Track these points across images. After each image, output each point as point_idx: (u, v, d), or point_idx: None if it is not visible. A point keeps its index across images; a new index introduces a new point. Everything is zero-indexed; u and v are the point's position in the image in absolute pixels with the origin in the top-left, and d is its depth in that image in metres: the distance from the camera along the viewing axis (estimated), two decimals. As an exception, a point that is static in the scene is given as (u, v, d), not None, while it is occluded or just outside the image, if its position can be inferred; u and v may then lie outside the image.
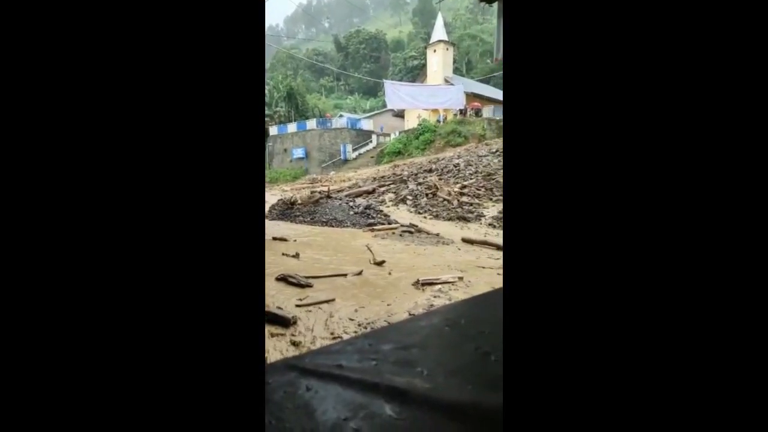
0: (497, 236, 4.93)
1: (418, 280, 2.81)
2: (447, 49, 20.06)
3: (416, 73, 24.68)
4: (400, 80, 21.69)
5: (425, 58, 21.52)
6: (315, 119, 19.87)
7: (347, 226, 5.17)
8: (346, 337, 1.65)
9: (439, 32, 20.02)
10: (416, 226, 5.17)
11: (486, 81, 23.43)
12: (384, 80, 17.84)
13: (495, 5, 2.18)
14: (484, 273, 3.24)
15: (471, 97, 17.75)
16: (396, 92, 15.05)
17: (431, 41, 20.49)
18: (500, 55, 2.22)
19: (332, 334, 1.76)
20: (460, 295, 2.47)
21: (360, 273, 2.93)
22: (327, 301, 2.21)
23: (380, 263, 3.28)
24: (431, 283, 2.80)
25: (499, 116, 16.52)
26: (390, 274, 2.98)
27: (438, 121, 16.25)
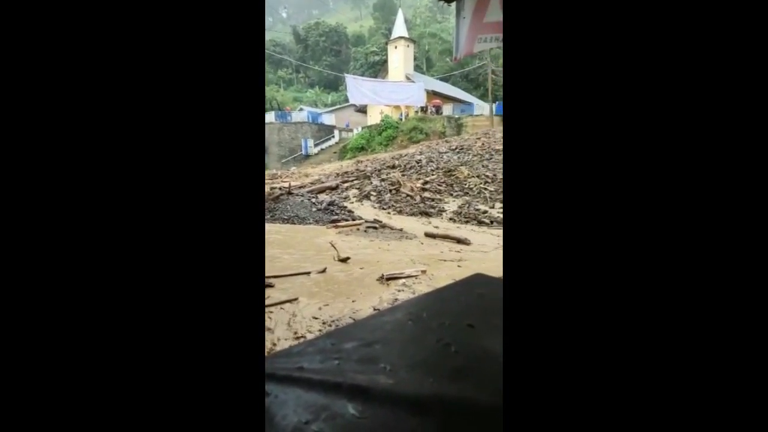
0: (458, 230, 5.11)
1: (383, 276, 2.83)
2: (408, 46, 20.23)
3: (378, 68, 24.62)
4: (362, 75, 21.51)
5: (386, 54, 21.54)
6: (273, 112, 19.07)
7: (310, 223, 5.05)
8: (310, 336, 1.61)
9: (400, 28, 20.11)
10: (381, 221, 5.19)
11: (445, 79, 24.03)
12: (345, 74, 17.56)
13: (453, 5, 2.22)
14: (446, 266, 3.34)
15: (431, 94, 18.12)
16: (358, 87, 14.91)
17: (392, 37, 20.54)
18: (459, 55, 2.27)
19: (295, 334, 1.71)
20: (423, 288, 2.53)
21: (324, 270, 2.89)
22: (290, 301, 2.15)
23: (345, 260, 3.26)
24: (395, 278, 2.84)
25: (458, 114, 17.07)
26: (363, 269, 2.97)
27: (400, 117, 16.39)
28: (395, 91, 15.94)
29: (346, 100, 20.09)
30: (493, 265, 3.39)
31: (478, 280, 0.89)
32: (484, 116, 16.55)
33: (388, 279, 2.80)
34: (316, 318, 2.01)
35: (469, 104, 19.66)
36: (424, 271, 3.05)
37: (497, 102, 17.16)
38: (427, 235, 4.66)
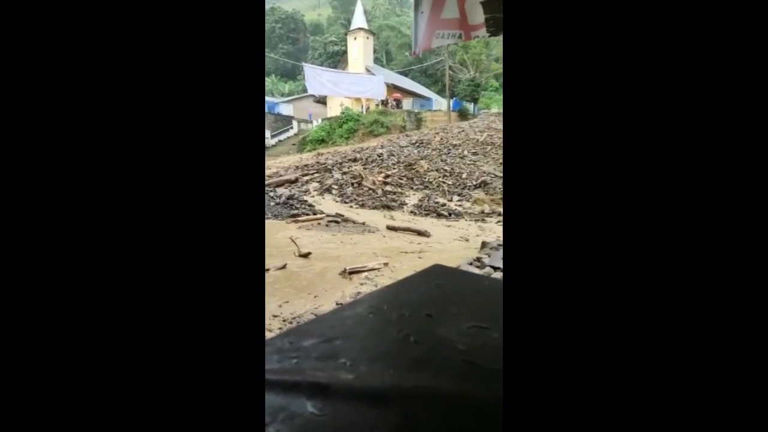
0: (419, 222, 5.23)
1: (345, 270, 2.81)
2: (367, 38, 20.02)
3: (337, 59, 24.10)
4: (321, 65, 20.92)
5: (346, 45, 21.14)
6: (226, 101, 17.80)
7: (269, 218, 4.85)
8: (270, 335, 1.56)
9: (359, 19, 19.80)
10: (342, 215, 5.14)
11: (405, 74, 24.21)
12: (304, 64, 16.96)
13: (412, 0, 2.22)
14: (408, 258, 3.41)
15: (392, 88, 18.16)
16: (317, 77, 14.48)
17: (351, 28, 20.17)
18: (418, 50, 2.28)
19: (254, 334, 1.64)
20: (386, 280, 2.56)
21: (284, 267, 2.80)
22: (247, 300, 2.05)
23: (306, 255, 3.19)
24: (358, 272, 2.83)
25: (418, 109, 17.33)
26: (324, 264, 2.93)
27: (361, 110, 16.26)
28: (356, 83, 15.74)
29: (304, 90, 19.43)
30: (452, 256, 3.52)
31: (436, 270, 0.91)
32: (442, 111, 16.99)
33: (351, 273, 2.79)
34: (276, 316, 1.94)
35: (428, 99, 20.03)
36: (386, 264, 3.08)
37: (454, 98, 17.68)
38: (389, 228, 4.71)
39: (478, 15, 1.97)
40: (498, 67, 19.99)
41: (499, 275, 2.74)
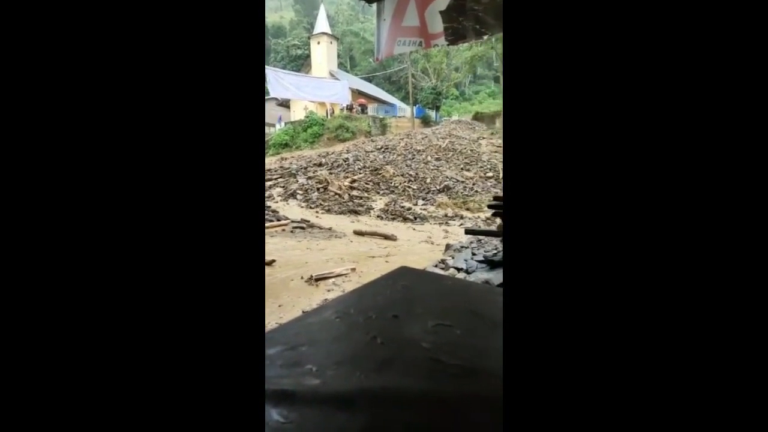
0: (385, 227, 5.26)
1: (311, 277, 2.75)
2: (331, 42, 19.96)
3: (300, 63, 23.74)
4: (284, 68, 20.47)
5: (309, 49, 20.91)
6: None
7: (228, 226, 4.62)
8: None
9: (322, 24, 19.71)
10: (308, 221, 5.04)
11: (369, 79, 24.43)
12: (266, 66, 16.51)
13: (374, 6, 2.26)
14: (375, 262, 3.42)
15: (356, 93, 18.24)
16: (279, 80, 14.15)
17: (315, 32, 20.01)
18: (380, 56, 2.32)
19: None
20: (353, 286, 2.54)
21: (246, 276, 2.68)
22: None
23: (270, 263, 3.07)
24: (325, 278, 2.79)
25: (382, 115, 17.54)
26: (289, 271, 2.84)
27: (326, 114, 16.11)
28: (320, 87, 15.59)
29: (267, 93, 18.91)
30: (418, 258, 3.59)
31: (402, 272, 0.93)
32: (406, 118, 17.34)
33: (317, 279, 2.74)
34: (238, 328, 1.85)
35: (392, 105, 20.36)
36: (353, 269, 3.07)
37: (417, 105, 18.13)
38: (356, 233, 4.70)
39: (437, 23, 2.05)
40: (457, 77, 20.84)
41: (462, 276, 2.84)
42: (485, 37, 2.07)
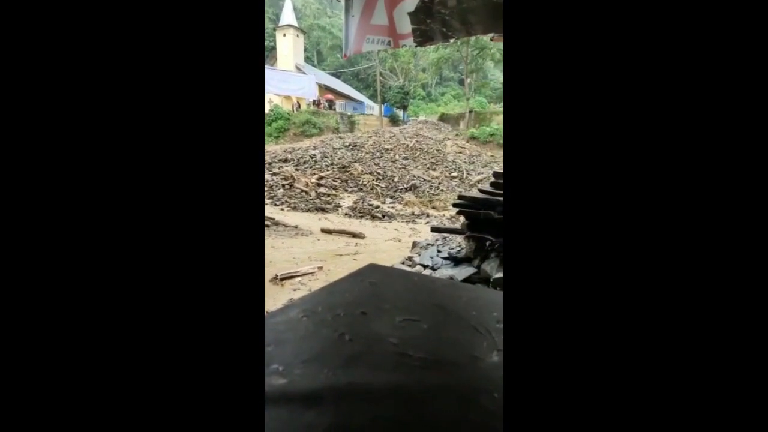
0: (353, 224, 5.25)
1: (276, 276, 2.68)
2: (297, 35, 19.39)
3: (265, 54, 22.80)
4: (247, 59, 19.49)
5: (275, 41, 20.16)
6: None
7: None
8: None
9: (288, 16, 19.07)
10: (273, 218, 4.88)
11: (336, 75, 24.07)
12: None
13: (343, 1, 2.23)
14: (342, 260, 3.40)
15: (323, 88, 17.90)
16: (242, 72, 13.48)
17: (280, 24, 19.32)
18: (349, 52, 2.30)
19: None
20: (320, 284, 2.51)
21: (205, 277, 2.54)
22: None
23: (231, 263, 2.93)
24: (290, 277, 2.73)
25: (350, 111, 17.40)
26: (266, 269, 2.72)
27: (292, 109, 15.67)
28: (285, 80, 15.10)
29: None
30: (387, 256, 3.62)
31: (370, 270, 0.93)
32: (375, 116, 17.34)
33: (282, 279, 2.67)
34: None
35: (361, 103, 20.26)
36: (320, 268, 3.03)
37: (385, 104, 18.20)
38: (323, 230, 4.63)
39: (405, 24, 2.07)
40: (424, 77, 21.19)
41: (428, 272, 2.91)
42: (451, 41, 2.13)
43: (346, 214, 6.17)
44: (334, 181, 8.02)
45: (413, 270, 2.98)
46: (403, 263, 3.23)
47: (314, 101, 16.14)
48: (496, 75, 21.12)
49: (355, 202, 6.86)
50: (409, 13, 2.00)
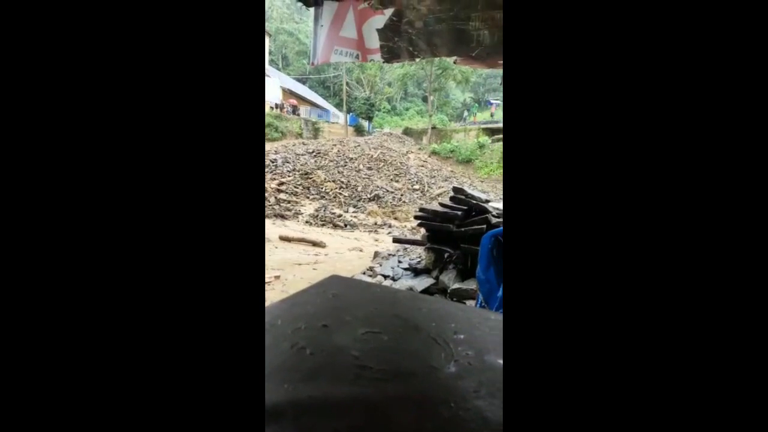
0: (314, 233, 5.14)
1: (230, 286, 2.53)
2: (262, 37, 18.92)
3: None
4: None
5: (237, 40, 19.42)
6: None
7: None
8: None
9: (253, 16, 18.56)
10: (227, 225, 4.61)
11: (302, 81, 23.78)
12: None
13: (312, 9, 2.24)
14: (302, 269, 3.31)
15: (287, 93, 17.57)
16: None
17: (244, 23, 18.71)
18: (316, 61, 2.30)
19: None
20: (277, 294, 2.41)
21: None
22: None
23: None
24: (245, 287, 2.58)
25: (315, 118, 17.22)
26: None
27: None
28: (247, 82, 14.57)
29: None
30: (348, 266, 3.59)
31: (332, 281, 0.93)
32: (340, 124, 17.34)
33: (237, 289, 2.52)
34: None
35: (326, 110, 20.17)
36: (277, 277, 2.92)
37: (351, 113, 18.30)
38: (282, 238, 4.48)
39: (374, 40, 2.13)
40: (389, 91, 21.71)
41: (388, 282, 2.94)
42: (417, 59, 2.22)
43: (306, 222, 6.04)
44: (295, 187, 7.83)
45: (374, 280, 2.99)
46: (364, 273, 3.23)
47: (277, 105, 15.76)
48: (456, 95, 22.26)
49: (316, 210, 6.74)
50: (378, 30, 2.06)
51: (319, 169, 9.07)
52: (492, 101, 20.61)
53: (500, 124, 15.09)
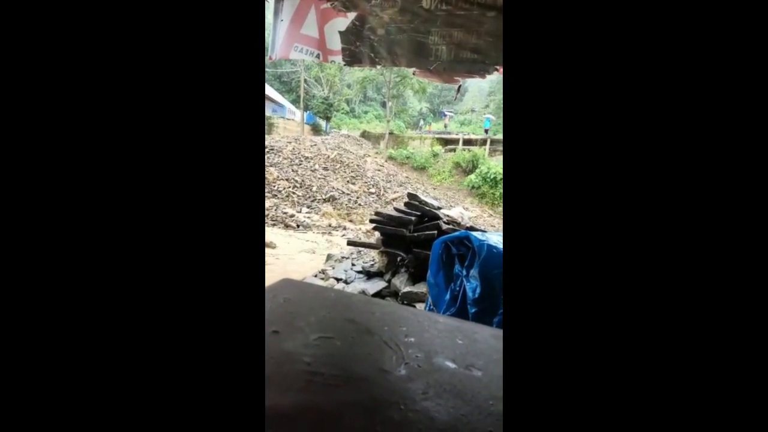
0: (265, 233, 4.90)
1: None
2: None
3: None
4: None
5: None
6: None
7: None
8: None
9: None
10: (164, 222, 4.21)
11: (259, 74, 22.64)
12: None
13: (272, 3, 2.16)
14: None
15: (241, 84, 16.59)
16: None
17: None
18: (274, 56, 2.22)
19: None
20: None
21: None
22: None
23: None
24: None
25: (270, 113, 16.52)
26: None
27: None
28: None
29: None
30: (299, 268, 3.48)
31: (284, 285, 0.90)
32: (296, 122, 16.83)
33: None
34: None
35: (282, 106, 19.46)
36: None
37: (308, 111, 17.87)
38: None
39: (336, 41, 2.12)
40: (348, 93, 21.65)
41: (341, 285, 2.91)
42: (378, 66, 2.26)
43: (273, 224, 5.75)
44: (245, 184, 7.42)
45: (326, 283, 2.94)
46: (315, 276, 3.16)
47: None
48: (413, 104, 22.92)
49: (267, 209, 6.45)
50: (341, 32, 2.06)
51: (271, 166, 8.70)
52: (446, 113, 21.58)
53: (453, 135, 15.89)
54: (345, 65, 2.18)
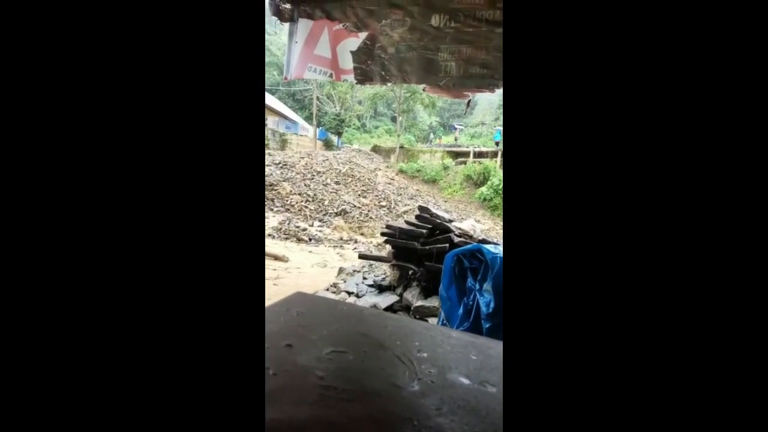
0: (277, 246, 4.97)
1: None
2: (232, 44, 18.54)
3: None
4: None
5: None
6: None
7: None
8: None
9: (224, 23, 18.20)
10: (181, 236, 4.32)
11: (272, 92, 23.48)
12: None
13: (287, 25, 2.26)
14: (262, 285, 3.16)
15: (256, 103, 17.16)
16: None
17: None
18: (290, 76, 2.31)
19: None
20: (234, 312, 2.28)
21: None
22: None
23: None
24: (199, 303, 2.42)
25: (283, 130, 16.97)
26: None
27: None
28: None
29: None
30: (311, 281, 3.49)
31: (297, 299, 0.91)
32: (308, 138, 17.23)
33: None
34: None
35: (295, 123, 19.98)
36: (235, 293, 2.76)
37: (320, 127, 18.28)
38: (242, 252, 4.27)
39: (348, 61, 2.19)
40: (360, 109, 22.11)
41: (352, 299, 2.90)
42: (389, 83, 2.31)
43: (269, 235, 5.83)
44: (259, 199, 7.56)
45: (338, 297, 2.94)
46: (327, 290, 3.16)
47: (244, 114, 15.33)
48: (423, 118, 23.19)
49: (280, 223, 6.55)
50: (352, 52, 2.13)
51: (285, 181, 8.88)
52: (456, 126, 21.71)
53: (463, 148, 15.91)
54: (357, 83, 2.24)
